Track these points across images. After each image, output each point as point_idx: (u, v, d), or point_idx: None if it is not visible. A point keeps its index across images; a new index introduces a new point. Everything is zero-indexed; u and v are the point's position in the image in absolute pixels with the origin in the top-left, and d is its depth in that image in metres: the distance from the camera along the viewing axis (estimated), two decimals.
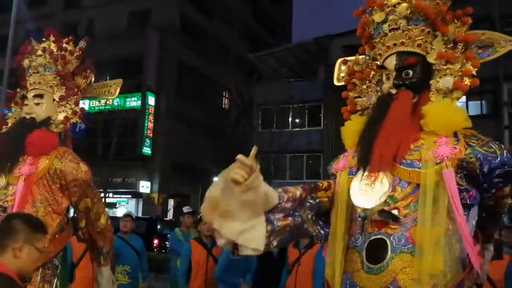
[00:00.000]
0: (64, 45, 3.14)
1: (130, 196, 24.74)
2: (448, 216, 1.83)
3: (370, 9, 2.17)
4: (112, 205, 25.50)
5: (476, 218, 1.99)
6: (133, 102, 22.93)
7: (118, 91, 3.23)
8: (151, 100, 23.72)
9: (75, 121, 3.07)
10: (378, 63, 2.20)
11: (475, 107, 18.26)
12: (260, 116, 21.44)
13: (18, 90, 3.17)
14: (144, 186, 23.25)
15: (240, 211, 1.92)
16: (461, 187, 1.88)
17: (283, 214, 2.03)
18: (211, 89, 28.48)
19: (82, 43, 3.29)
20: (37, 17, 26.05)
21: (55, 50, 3.09)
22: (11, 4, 12.92)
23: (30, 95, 2.99)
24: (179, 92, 25.40)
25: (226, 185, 1.91)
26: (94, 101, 22.33)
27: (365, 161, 1.98)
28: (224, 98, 29.54)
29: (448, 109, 1.97)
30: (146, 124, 23.25)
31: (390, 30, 2.09)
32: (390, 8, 2.07)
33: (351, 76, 2.37)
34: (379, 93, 2.24)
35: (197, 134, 24.53)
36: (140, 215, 22.87)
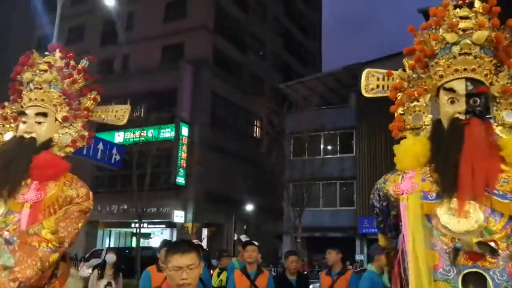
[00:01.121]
0: (72, 62, 2.91)
1: (164, 226, 24.96)
2: None
3: (434, 27, 2.14)
4: (147, 236, 25.79)
5: None
6: (167, 133, 23.40)
7: (126, 117, 2.97)
8: (185, 131, 24.16)
9: (81, 145, 2.84)
10: (436, 83, 2.15)
11: None
12: (292, 144, 21.47)
13: (6, 104, 2.85)
14: (178, 216, 23.44)
15: None
16: None
17: None
18: (243, 119, 28.84)
19: (84, 62, 3.00)
20: (75, 54, 27.26)
21: (63, 67, 2.83)
22: (49, 42, 13.60)
23: (30, 112, 2.67)
24: (212, 123, 25.81)
25: None
26: (128, 133, 22.97)
27: (451, 188, 1.90)
28: (256, 127, 29.79)
29: None
30: (179, 154, 23.62)
31: (460, 54, 2.04)
32: (461, 32, 2.04)
33: (397, 91, 2.31)
34: (429, 115, 2.21)
35: (230, 164, 24.73)
36: None
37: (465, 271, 1.81)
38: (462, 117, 2.01)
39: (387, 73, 2.41)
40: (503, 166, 1.93)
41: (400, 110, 2.28)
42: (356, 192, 21.67)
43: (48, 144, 2.69)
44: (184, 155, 23.90)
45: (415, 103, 2.25)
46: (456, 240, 1.84)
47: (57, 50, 2.93)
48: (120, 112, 2.98)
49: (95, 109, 2.96)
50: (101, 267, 6.34)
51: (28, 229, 2.35)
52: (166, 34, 26.33)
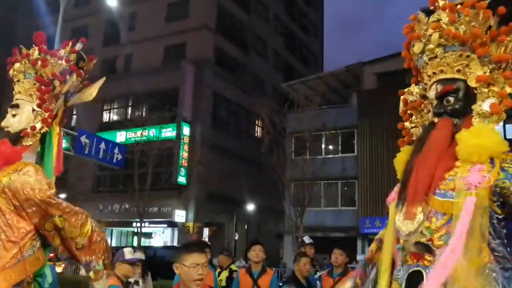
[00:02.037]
0: (45, 47, 2.74)
1: (165, 225, 24.98)
2: (488, 247, 1.75)
3: (412, 42, 2.16)
4: (148, 235, 25.82)
5: None
6: (169, 132, 23.43)
7: (95, 92, 2.81)
8: (186, 130, 24.20)
9: (44, 131, 2.66)
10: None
11: None
12: (293, 143, 21.47)
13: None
14: (179, 215, 23.47)
15: None
16: (499, 216, 1.79)
17: None
18: (245, 119, 28.88)
19: (78, 45, 2.87)
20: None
21: (35, 55, 2.71)
22: (53, 43, 13.60)
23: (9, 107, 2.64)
24: (214, 122, 25.86)
25: None
26: (130, 132, 22.99)
27: (404, 192, 1.98)
28: (257, 127, 29.82)
29: (480, 135, 1.89)
30: (181, 154, 23.65)
31: (429, 59, 2.08)
32: (427, 38, 2.06)
33: (406, 107, 2.33)
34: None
35: (231, 163, 24.76)
36: (175, 244, 23.02)
37: (410, 270, 1.90)
38: (436, 120, 2.03)
39: (399, 93, 2.42)
40: (457, 163, 1.91)
41: (407, 125, 2.31)
42: (358, 192, 21.65)
43: (18, 135, 2.58)
44: (185, 154, 23.93)
45: (422, 114, 2.26)
46: (405, 241, 1.93)
47: (38, 38, 2.78)
48: (94, 88, 2.83)
49: (76, 94, 2.82)
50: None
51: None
52: (168, 34, 26.39)
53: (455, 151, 1.91)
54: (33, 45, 2.76)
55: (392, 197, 2.15)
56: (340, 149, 22.69)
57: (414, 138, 2.26)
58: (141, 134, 19.72)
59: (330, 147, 22.81)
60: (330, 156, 21.85)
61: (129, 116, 27.13)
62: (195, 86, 24.88)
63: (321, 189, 21.68)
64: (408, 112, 2.31)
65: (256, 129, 29.90)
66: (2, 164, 2.45)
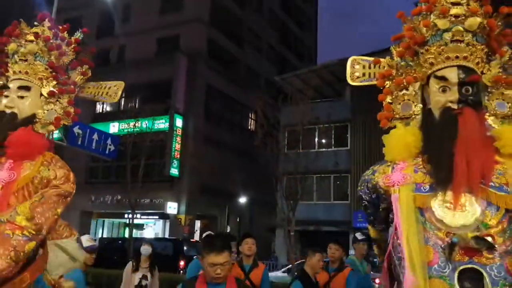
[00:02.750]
0: (61, 34, 2.64)
1: (157, 217, 24.99)
2: None
3: (425, 13, 2.06)
4: (140, 227, 25.80)
5: None
6: (161, 124, 23.37)
7: (119, 95, 2.73)
8: (179, 122, 24.15)
9: (66, 123, 2.58)
10: (426, 71, 2.06)
11: None
12: (286, 137, 21.49)
13: None
14: (171, 207, 23.47)
15: None
16: None
17: None
18: (238, 112, 28.85)
19: (78, 34, 2.77)
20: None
21: (50, 37, 2.57)
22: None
23: (13, 85, 2.45)
24: (207, 115, 25.82)
25: None
26: (123, 123, 22.90)
27: (446, 179, 1.83)
28: (250, 120, 29.81)
29: None
30: (173, 146, 23.62)
31: (452, 41, 1.97)
32: (453, 18, 1.96)
33: (385, 79, 2.22)
34: (419, 104, 2.13)
35: (224, 156, 24.76)
36: (167, 236, 23.05)
37: (461, 267, 1.74)
38: (455, 106, 1.94)
39: (374, 61, 2.32)
40: (497, 158, 1.86)
41: (388, 99, 2.21)
42: (350, 186, 21.76)
43: (30, 120, 2.45)
44: (178, 146, 23.90)
45: (404, 91, 2.17)
46: (452, 234, 1.77)
47: (46, 20, 2.64)
48: (113, 89, 2.74)
49: (86, 85, 2.73)
50: (136, 259, 6.04)
51: None
52: (162, 26, 26.25)
53: (497, 145, 1.87)
54: (41, 26, 2.62)
55: (397, 179, 1.98)
56: (333, 142, 22.76)
57: (396, 115, 2.17)
58: (134, 125, 19.62)
59: (323, 140, 22.87)
60: (323, 149, 21.90)
61: (122, 107, 27.00)
62: (188, 78, 24.81)
63: (313, 183, 21.75)
64: (387, 86, 2.21)
65: (249, 122, 29.89)
66: (37, 154, 2.35)
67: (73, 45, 2.68)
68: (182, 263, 15.02)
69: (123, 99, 27.66)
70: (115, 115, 24.80)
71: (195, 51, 25.18)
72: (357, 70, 2.39)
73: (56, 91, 2.53)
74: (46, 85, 2.53)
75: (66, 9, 25.42)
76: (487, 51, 1.99)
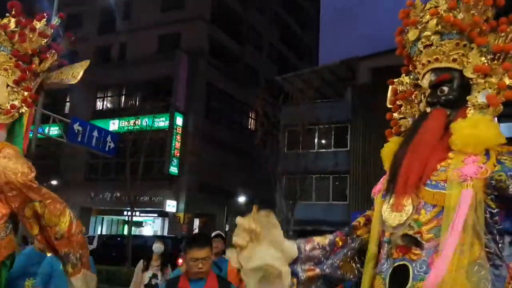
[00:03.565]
0: (23, 20, 2.57)
1: (156, 215, 25.01)
2: (479, 243, 1.67)
3: (407, 28, 2.06)
4: (139, 224, 25.83)
5: None
6: (161, 122, 23.35)
7: (81, 73, 2.67)
8: (179, 121, 24.14)
9: (22, 111, 2.53)
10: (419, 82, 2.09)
11: (507, 129, 17.85)
12: (286, 137, 21.50)
13: None
14: (170, 205, 23.48)
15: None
16: (493, 210, 1.73)
17: (310, 264, 1.96)
18: (238, 111, 28.84)
19: (56, 20, 2.72)
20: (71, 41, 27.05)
21: (12, 26, 2.53)
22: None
23: None
24: (207, 113, 25.82)
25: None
26: (123, 121, 22.90)
27: (393, 183, 1.90)
28: (251, 119, 29.81)
29: (477, 125, 1.82)
30: (173, 144, 23.62)
31: (424, 47, 1.98)
32: (423, 25, 1.97)
33: (395, 97, 2.25)
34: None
35: (224, 155, 24.76)
36: (165, 234, 23.06)
37: (395, 264, 1.81)
38: (428, 110, 1.95)
39: (389, 82, 2.33)
40: (450, 154, 1.85)
41: (396, 115, 2.23)
42: (349, 187, 21.76)
43: None
44: (177, 144, 23.90)
45: (412, 104, 2.18)
46: (393, 234, 1.84)
47: (13, 10, 2.59)
48: (77, 69, 2.68)
49: (57, 71, 2.67)
50: (147, 257, 5.91)
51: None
52: (163, 24, 26.23)
53: (449, 141, 1.85)
54: (8, 15, 2.58)
55: (378, 189, 2.08)
56: (333, 143, 22.75)
57: (402, 129, 2.19)
58: (134, 123, 19.63)
59: (323, 141, 22.87)
60: (323, 150, 21.91)
61: (122, 104, 27.01)
62: (189, 76, 24.80)
63: (312, 183, 21.75)
64: (397, 102, 2.23)
65: (250, 121, 29.89)
66: None
67: (39, 31, 2.60)
68: (180, 261, 14.98)
69: (123, 96, 27.69)
70: (115, 112, 24.85)
71: (196, 49, 25.17)
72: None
73: (18, 79, 2.50)
74: (11, 75, 2.50)
75: (68, 5, 25.40)
76: (467, 43, 1.94)
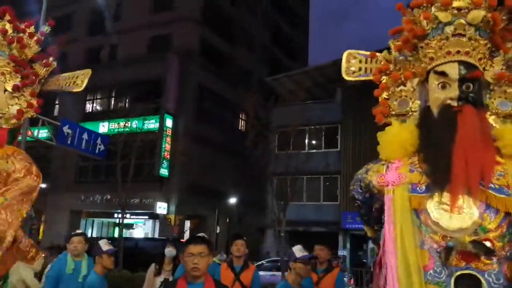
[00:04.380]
0: (22, 26, 2.57)
1: (147, 217, 24.88)
2: None
3: (425, 5, 1.94)
4: (130, 226, 25.69)
5: None
6: (152, 124, 23.26)
7: (85, 82, 2.67)
8: (169, 122, 24.06)
9: (29, 116, 2.53)
10: (426, 66, 1.95)
11: None
12: (277, 138, 21.53)
13: None
14: (161, 207, 23.38)
15: None
16: None
17: None
18: (229, 112, 28.79)
19: (45, 28, 2.70)
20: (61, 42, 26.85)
21: (10, 31, 2.50)
22: (36, 30, 13.37)
23: None
24: (198, 115, 25.74)
25: None
26: (113, 123, 22.77)
27: (443, 180, 1.73)
28: (242, 120, 29.78)
29: None
30: (163, 146, 23.54)
31: (453, 35, 1.86)
32: (456, 11, 1.85)
33: (381, 73, 2.11)
34: (416, 101, 2.02)
35: (215, 156, 24.71)
36: (156, 236, 22.95)
37: (458, 273, 1.66)
38: (454, 103, 1.84)
39: (370, 55, 2.22)
40: (498, 158, 1.77)
41: (384, 95, 2.11)
42: (340, 187, 21.84)
43: None
44: (168, 146, 23.82)
45: (402, 87, 2.07)
46: (448, 238, 1.67)
47: (7, 14, 2.57)
48: (80, 78, 2.67)
49: (55, 77, 2.68)
50: (159, 262, 5.70)
51: None
52: (153, 25, 26.13)
53: (498, 145, 1.76)
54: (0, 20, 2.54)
55: (392, 179, 1.89)
56: (323, 144, 22.83)
57: (393, 112, 2.07)
58: (124, 125, 19.50)
59: (314, 142, 22.95)
60: (314, 151, 21.98)
61: (112, 106, 26.83)
62: (179, 77, 24.72)
63: (303, 184, 21.80)
64: (383, 81, 2.10)
65: (241, 122, 29.86)
66: None
67: (35, 38, 2.59)
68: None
69: (113, 98, 27.51)
70: (105, 114, 24.63)
71: (187, 50, 25.10)
72: (353, 65, 2.27)
73: (19, 85, 2.47)
74: (9, 80, 2.46)
75: (57, 6, 25.24)
76: (490, 46, 1.87)
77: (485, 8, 1.83)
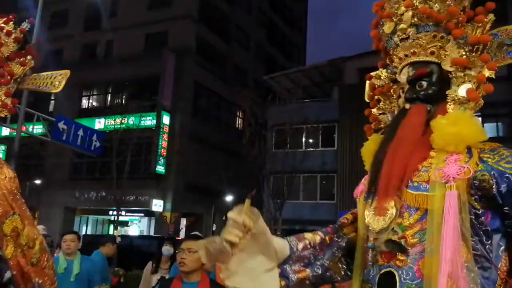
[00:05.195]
0: (1, 24, 2.51)
1: (142, 214, 24.82)
2: (466, 245, 1.59)
3: (382, 21, 1.98)
4: (125, 224, 25.63)
5: (503, 249, 1.70)
6: (148, 121, 23.20)
7: (63, 83, 2.58)
8: (166, 119, 23.99)
9: (3, 115, 2.42)
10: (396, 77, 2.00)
11: (490, 129, 18.10)
12: (274, 136, 21.53)
13: None
14: (157, 205, 23.33)
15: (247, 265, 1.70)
16: (478, 211, 1.64)
17: (300, 265, 1.85)
18: (226, 110, 28.78)
19: (25, 25, 2.63)
20: (57, 38, 26.74)
21: None
22: (32, 26, 13.27)
23: None
24: (194, 112, 25.70)
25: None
26: (109, 120, 22.69)
27: (374, 185, 1.81)
28: (238, 118, 29.78)
29: (457, 122, 1.73)
30: (160, 143, 23.47)
31: (400, 41, 1.90)
32: (398, 17, 1.89)
33: (373, 92, 2.16)
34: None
35: (211, 154, 24.68)
36: (152, 233, 22.92)
37: (382, 271, 1.72)
38: (407, 106, 1.86)
39: (366, 77, 2.23)
40: (431, 153, 1.77)
41: (375, 111, 2.14)
42: (337, 186, 21.84)
43: None
44: (164, 144, 23.75)
45: (391, 99, 2.09)
46: (375, 239, 1.75)
47: None
48: (57, 78, 2.59)
49: (31, 76, 2.58)
50: (156, 260, 5.81)
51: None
52: (150, 22, 26.05)
53: (430, 139, 1.77)
54: None
55: (360, 190, 1.99)
56: (320, 143, 22.83)
57: (382, 125, 2.10)
58: (121, 122, 19.47)
59: (311, 140, 22.94)
60: (311, 149, 21.97)
61: (108, 103, 26.75)
62: (176, 75, 24.65)
63: (300, 182, 21.81)
64: (376, 97, 2.14)
65: (237, 121, 29.85)
66: None
67: (14, 35, 2.50)
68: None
69: (109, 94, 27.43)
70: (101, 111, 24.60)
71: (183, 47, 25.03)
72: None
73: None
74: None
75: (53, 2, 25.14)
76: (444, 35, 1.85)
77: (415, 7, 1.85)
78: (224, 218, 26.54)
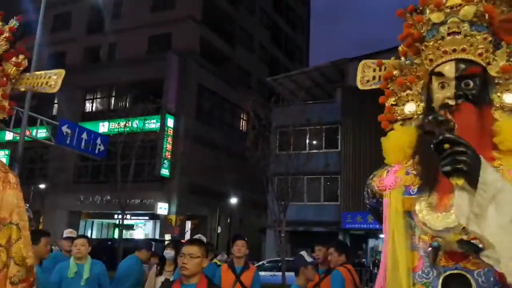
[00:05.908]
0: None
1: (147, 217, 24.84)
2: None
3: (421, 7, 1.95)
4: (130, 227, 25.66)
5: None
6: (152, 124, 23.22)
7: (59, 83, 2.50)
8: (170, 122, 24.01)
9: (1, 117, 2.38)
10: (427, 68, 1.96)
11: None
12: (277, 138, 21.50)
13: None
14: (162, 208, 23.34)
15: None
16: None
17: None
18: (230, 112, 28.81)
19: (13, 22, 2.54)
20: (60, 41, 26.84)
21: None
22: (35, 29, 13.32)
23: None
24: (198, 115, 25.72)
25: None
26: (113, 123, 22.74)
27: (433, 180, 1.73)
28: (242, 120, 29.77)
29: None
30: (164, 146, 23.49)
31: (448, 34, 1.85)
32: (449, 10, 1.85)
33: (388, 80, 2.13)
34: (421, 103, 2.01)
35: (215, 156, 24.68)
36: (157, 236, 22.91)
37: (446, 273, 1.64)
38: (452, 102, 1.82)
39: (377, 63, 2.23)
40: (495, 154, 1.74)
41: (391, 101, 2.11)
42: (340, 187, 21.82)
43: None
44: (169, 146, 23.77)
45: (408, 91, 2.07)
46: (436, 238, 1.67)
47: None
48: (53, 78, 2.50)
49: (24, 76, 2.51)
50: (161, 262, 5.87)
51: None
52: (153, 24, 26.10)
53: (495, 140, 1.74)
54: None
55: (390, 182, 1.91)
56: (323, 144, 22.80)
57: (399, 117, 2.07)
58: (125, 125, 19.47)
59: (314, 142, 22.91)
60: (314, 151, 21.93)
61: (112, 106, 26.81)
62: (179, 77, 24.68)
63: (304, 184, 21.76)
64: (390, 87, 2.11)
65: (241, 123, 29.85)
66: None
67: (5, 35, 2.43)
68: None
69: (113, 98, 27.48)
70: (105, 114, 24.63)
71: (187, 49, 25.06)
72: (367, 74, 2.29)
73: None
74: None
75: (56, 4, 25.22)
76: (492, 40, 1.84)
77: (478, 2, 1.82)
78: (228, 220, 26.53)
